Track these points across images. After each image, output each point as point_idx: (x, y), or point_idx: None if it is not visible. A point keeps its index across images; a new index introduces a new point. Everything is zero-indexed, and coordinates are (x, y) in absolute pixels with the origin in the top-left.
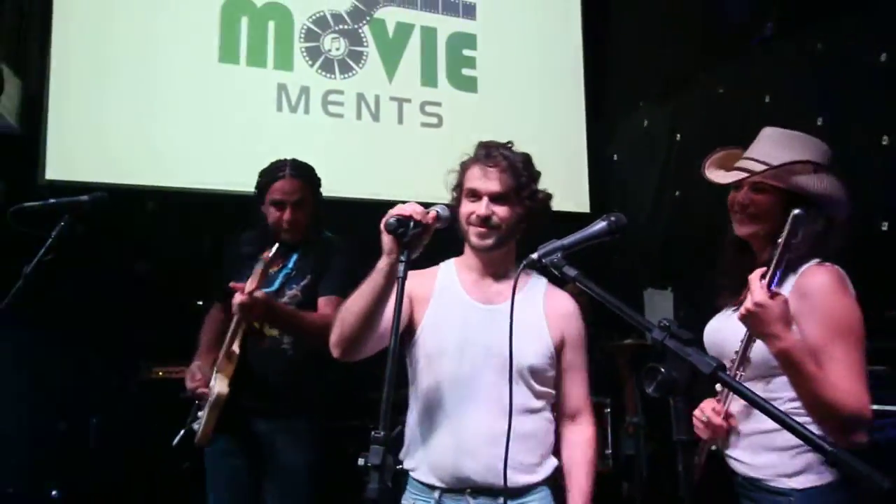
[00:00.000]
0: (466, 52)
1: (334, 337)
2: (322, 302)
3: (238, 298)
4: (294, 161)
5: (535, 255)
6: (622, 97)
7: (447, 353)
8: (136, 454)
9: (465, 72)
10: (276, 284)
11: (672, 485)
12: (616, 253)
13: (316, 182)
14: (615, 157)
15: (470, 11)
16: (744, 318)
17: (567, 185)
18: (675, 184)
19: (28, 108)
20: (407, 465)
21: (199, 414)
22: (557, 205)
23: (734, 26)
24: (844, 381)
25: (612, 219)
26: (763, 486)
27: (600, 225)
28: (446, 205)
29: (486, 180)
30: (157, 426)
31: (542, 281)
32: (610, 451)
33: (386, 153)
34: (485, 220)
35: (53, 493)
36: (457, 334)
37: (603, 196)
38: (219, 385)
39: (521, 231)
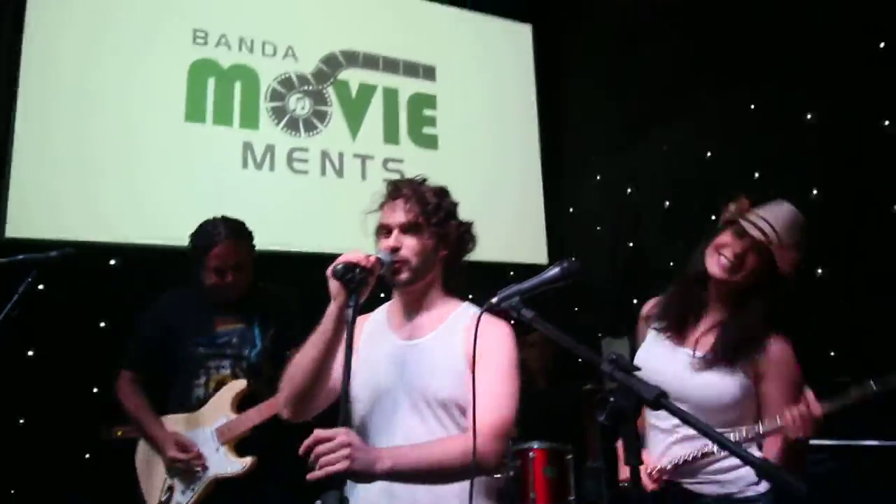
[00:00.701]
0: (427, 112)
1: (284, 395)
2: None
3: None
4: (226, 221)
5: (494, 300)
6: (576, 153)
7: (369, 394)
8: None
9: (426, 130)
10: (232, 345)
11: None
12: (577, 305)
13: (249, 237)
14: (571, 209)
15: (430, 74)
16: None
17: (526, 237)
18: (629, 235)
19: None
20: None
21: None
22: (517, 257)
23: (678, 88)
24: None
25: (566, 264)
26: (734, 499)
27: (554, 271)
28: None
29: (393, 213)
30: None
31: (470, 310)
32: (573, 498)
33: (349, 208)
34: (393, 252)
35: None
36: (380, 374)
37: (560, 248)
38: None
39: (441, 262)
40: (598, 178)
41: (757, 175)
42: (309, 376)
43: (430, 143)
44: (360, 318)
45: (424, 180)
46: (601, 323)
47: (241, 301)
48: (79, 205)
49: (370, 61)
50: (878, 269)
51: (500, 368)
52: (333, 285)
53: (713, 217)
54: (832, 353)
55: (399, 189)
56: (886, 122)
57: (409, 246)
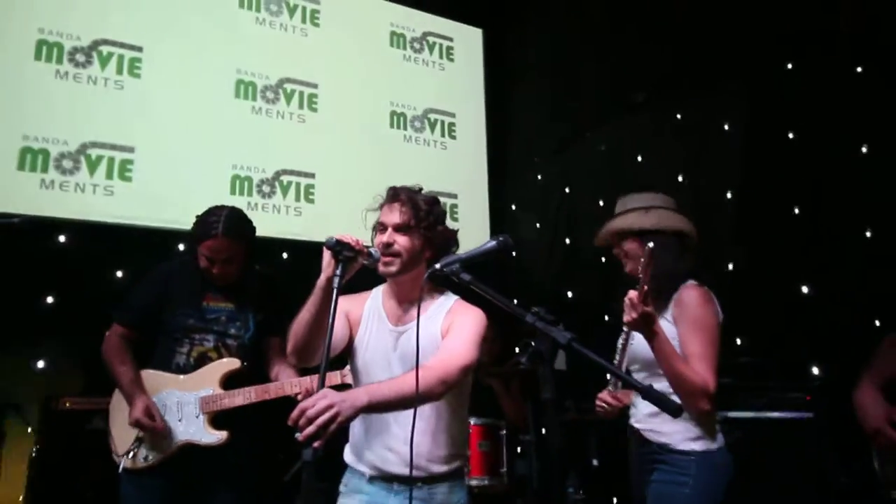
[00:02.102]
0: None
1: (289, 347)
2: (277, 342)
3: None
4: (229, 216)
5: (437, 266)
6: (520, 155)
7: (372, 368)
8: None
9: None
10: (220, 322)
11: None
12: (516, 297)
13: (248, 236)
14: (514, 207)
15: None
16: (630, 324)
17: (470, 233)
18: (566, 231)
19: None
20: (346, 457)
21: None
22: (461, 250)
23: (613, 95)
24: (695, 364)
25: (501, 239)
26: (672, 448)
27: (491, 244)
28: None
29: (390, 213)
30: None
31: (451, 300)
32: (504, 470)
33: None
34: (387, 247)
35: None
36: (379, 353)
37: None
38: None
39: (427, 261)
40: (539, 177)
41: (681, 178)
42: (306, 333)
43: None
44: (361, 294)
45: (420, 189)
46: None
47: (232, 285)
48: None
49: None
50: (784, 262)
51: (463, 334)
52: (326, 256)
53: None
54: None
55: (397, 194)
56: (791, 135)
57: (401, 243)
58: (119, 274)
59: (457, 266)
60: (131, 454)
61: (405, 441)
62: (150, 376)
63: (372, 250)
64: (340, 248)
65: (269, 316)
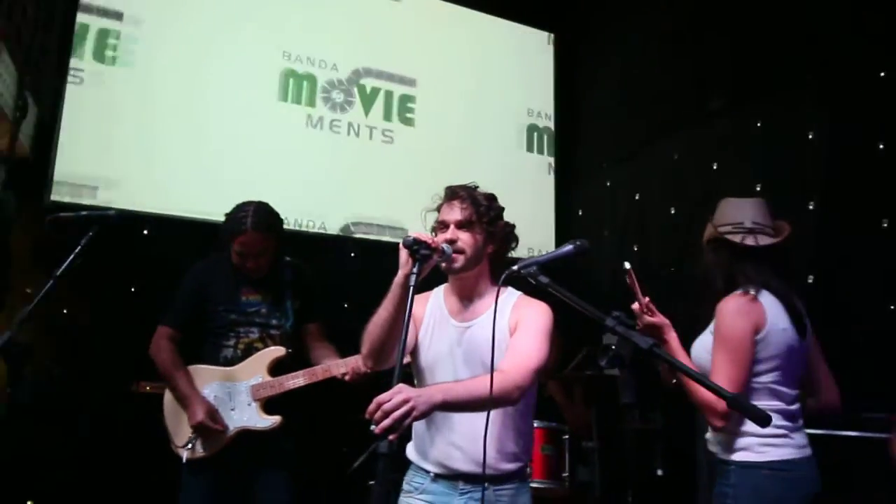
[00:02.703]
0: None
1: (365, 350)
2: (315, 327)
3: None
4: (257, 211)
5: (515, 267)
6: (588, 159)
7: (437, 365)
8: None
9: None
10: (261, 314)
11: None
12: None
13: (277, 229)
14: (580, 212)
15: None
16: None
17: (536, 236)
18: (634, 238)
19: (39, 134)
20: (409, 455)
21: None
22: (527, 254)
23: (688, 102)
24: (714, 379)
25: (578, 243)
26: (719, 458)
27: (568, 247)
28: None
29: (450, 211)
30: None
31: (515, 295)
32: (566, 475)
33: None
34: (451, 244)
35: None
36: (443, 349)
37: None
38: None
39: (488, 256)
40: (608, 183)
41: (758, 188)
42: (383, 334)
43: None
44: (423, 294)
45: (477, 186)
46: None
47: (265, 278)
48: (116, 176)
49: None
50: (862, 275)
51: (531, 332)
52: (403, 254)
53: None
54: None
55: (456, 192)
56: (881, 146)
57: (464, 239)
58: None
59: (534, 268)
60: (190, 445)
61: (471, 438)
62: (199, 370)
63: (444, 247)
64: (417, 247)
65: (304, 304)
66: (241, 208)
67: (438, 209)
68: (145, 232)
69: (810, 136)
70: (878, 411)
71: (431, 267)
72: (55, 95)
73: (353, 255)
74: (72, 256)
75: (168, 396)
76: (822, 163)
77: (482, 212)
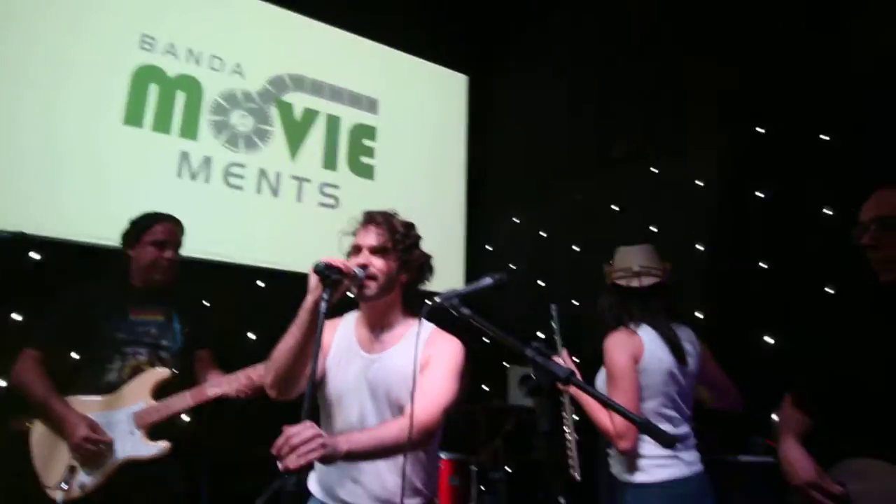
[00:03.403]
0: (366, 143)
1: (269, 379)
2: (206, 354)
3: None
4: (168, 213)
5: (437, 298)
6: (497, 197)
7: (343, 398)
8: None
9: (364, 160)
10: (151, 335)
11: None
12: (486, 336)
13: (182, 232)
14: (489, 248)
15: (372, 107)
16: None
17: (446, 269)
18: (539, 275)
19: None
20: (311, 487)
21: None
22: (437, 286)
23: (592, 147)
24: (613, 416)
25: (497, 276)
26: (616, 478)
27: (487, 280)
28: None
29: (366, 236)
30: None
31: (428, 329)
32: None
33: (282, 226)
34: (363, 268)
35: None
36: (350, 381)
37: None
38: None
39: (402, 285)
40: (516, 220)
41: (654, 229)
42: (289, 361)
43: (367, 173)
44: (332, 321)
45: (395, 213)
46: (507, 352)
47: (161, 294)
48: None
49: (316, 87)
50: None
51: (441, 371)
52: (313, 279)
53: None
54: None
55: (373, 217)
56: (757, 192)
57: (377, 265)
58: None
59: (456, 300)
60: (65, 484)
61: (374, 474)
62: (71, 403)
63: (357, 271)
64: (329, 272)
65: (195, 328)
66: (145, 213)
67: (354, 233)
68: (33, 255)
69: (699, 184)
70: (758, 435)
71: (342, 293)
72: None
73: (260, 284)
74: None
75: (36, 431)
76: (709, 209)
77: (398, 239)
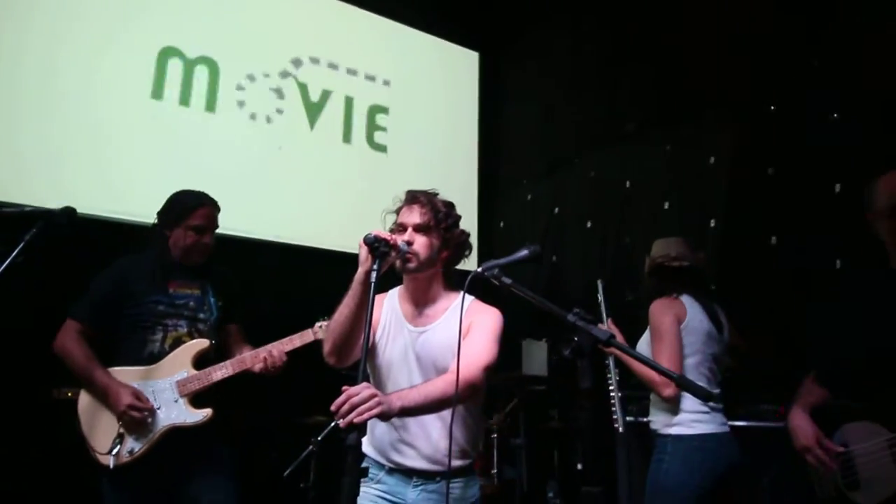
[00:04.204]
0: (380, 121)
1: (327, 347)
2: (235, 329)
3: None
4: (207, 194)
5: (479, 269)
6: (510, 174)
7: (392, 368)
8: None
9: (377, 137)
10: (189, 308)
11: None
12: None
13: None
14: (501, 224)
15: (386, 85)
16: None
17: None
18: (553, 250)
19: None
20: (365, 449)
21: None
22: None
23: (604, 123)
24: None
25: (532, 247)
26: (656, 433)
27: (524, 252)
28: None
29: (410, 214)
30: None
31: (469, 300)
32: (495, 471)
33: (298, 194)
34: (408, 245)
35: None
36: (399, 353)
37: (489, 258)
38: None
39: (442, 261)
40: (529, 197)
41: (666, 205)
42: (345, 330)
43: (381, 149)
44: (378, 296)
45: (437, 193)
46: (523, 328)
47: (197, 270)
48: (50, 175)
49: (332, 67)
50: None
51: (483, 334)
52: (363, 251)
53: (627, 239)
54: None
55: (416, 197)
56: (770, 170)
57: (420, 242)
58: None
59: (497, 270)
60: (115, 450)
61: (423, 436)
62: (115, 373)
63: (402, 244)
64: (378, 244)
65: (228, 302)
66: (184, 192)
67: (398, 212)
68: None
69: (711, 161)
70: (769, 403)
71: (389, 265)
72: None
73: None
74: (14, 252)
75: (83, 400)
76: (721, 186)
77: (440, 217)
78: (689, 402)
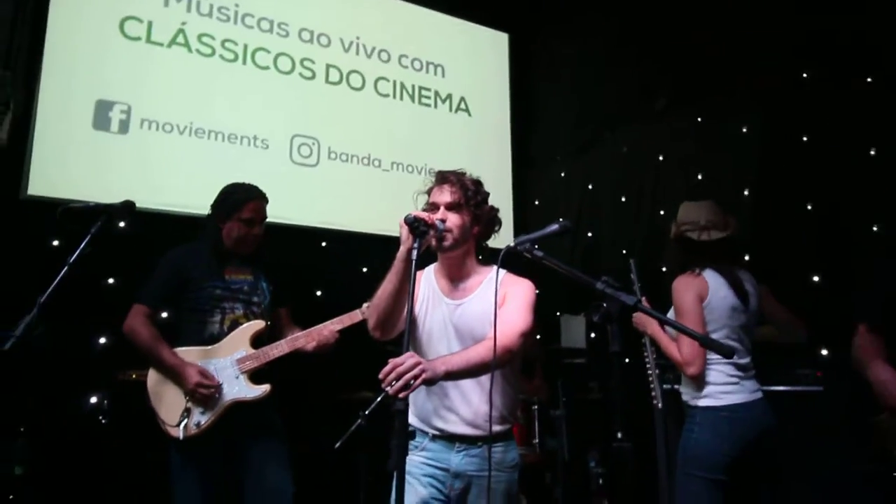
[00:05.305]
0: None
1: (372, 322)
2: (285, 312)
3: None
4: (256, 187)
5: (512, 244)
6: (543, 151)
7: (432, 340)
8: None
9: None
10: (244, 292)
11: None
12: (541, 288)
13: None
14: (536, 202)
15: (429, 68)
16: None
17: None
18: (588, 226)
19: (14, 126)
20: (410, 420)
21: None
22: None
23: (635, 100)
24: (679, 343)
25: (563, 221)
26: (687, 403)
27: (554, 227)
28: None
29: (440, 194)
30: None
31: (502, 273)
32: (537, 441)
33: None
34: (442, 223)
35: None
36: (438, 325)
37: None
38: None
39: (474, 237)
40: (562, 174)
41: (700, 176)
42: (389, 305)
43: None
44: (418, 271)
45: (465, 172)
46: (560, 303)
47: (248, 257)
48: (94, 168)
49: (360, 51)
50: (796, 255)
51: (518, 303)
52: (404, 231)
53: (661, 213)
54: None
55: (446, 177)
56: (804, 138)
57: (453, 220)
58: None
59: (529, 245)
60: (184, 422)
61: (464, 402)
62: (180, 354)
63: (438, 223)
64: (418, 224)
65: (278, 287)
66: (238, 184)
67: (429, 192)
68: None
69: (744, 131)
70: (805, 368)
71: (428, 243)
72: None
73: (323, 244)
74: (83, 244)
75: (152, 377)
76: (754, 155)
77: (470, 196)
78: (715, 374)
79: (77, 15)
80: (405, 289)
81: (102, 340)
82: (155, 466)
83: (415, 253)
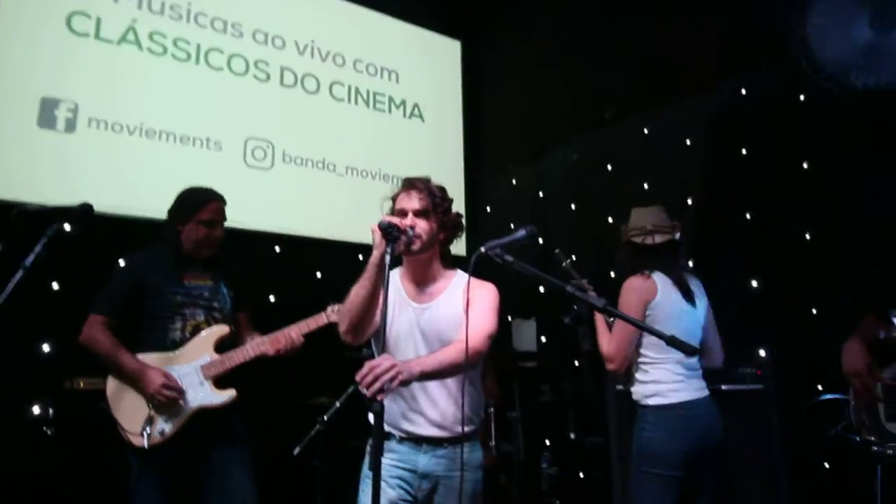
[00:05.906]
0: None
1: (344, 326)
2: (245, 317)
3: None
4: (214, 189)
5: (482, 249)
6: (494, 159)
7: (399, 343)
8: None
9: None
10: (205, 297)
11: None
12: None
13: None
14: (488, 208)
15: (376, 73)
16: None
17: None
18: (539, 233)
19: None
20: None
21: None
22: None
23: (585, 107)
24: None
25: (529, 227)
26: (637, 403)
27: (522, 232)
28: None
29: (409, 200)
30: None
31: (464, 277)
32: (493, 444)
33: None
34: (412, 228)
35: None
36: (405, 329)
37: (478, 243)
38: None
39: (440, 242)
40: (514, 182)
41: (646, 186)
42: (361, 309)
43: None
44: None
45: (430, 179)
46: (512, 308)
47: (208, 262)
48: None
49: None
50: (736, 260)
51: (484, 306)
52: (377, 236)
53: (610, 220)
54: None
55: (414, 183)
56: (743, 151)
57: (421, 226)
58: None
59: (499, 250)
60: (147, 430)
61: (431, 405)
62: (146, 360)
63: (408, 229)
64: (391, 229)
65: (239, 292)
66: (196, 188)
67: (394, 198)
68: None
69: (688, 143)
70: (746, 367)
71: (400, 248)
72: None
73: (277, 249)
74: (38, 248)
75: (112, 385)
76: (697, 166)
77: (437, 202)
78: (663, 372)
79: (22, 7)
80: (377, 293)
81: (46, 348)
82: (111, 473)
83: (387, 258)
